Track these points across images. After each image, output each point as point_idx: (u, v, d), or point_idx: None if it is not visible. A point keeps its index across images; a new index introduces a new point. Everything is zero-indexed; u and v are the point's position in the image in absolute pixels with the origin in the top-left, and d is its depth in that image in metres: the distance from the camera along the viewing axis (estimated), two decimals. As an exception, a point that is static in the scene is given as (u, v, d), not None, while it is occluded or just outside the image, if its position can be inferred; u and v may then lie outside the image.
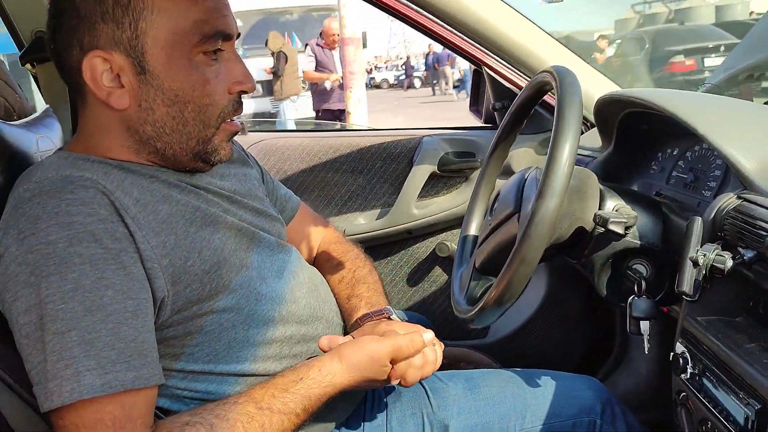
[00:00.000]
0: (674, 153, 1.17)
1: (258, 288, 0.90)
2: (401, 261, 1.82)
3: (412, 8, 1.49)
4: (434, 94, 19.91)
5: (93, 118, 0.86)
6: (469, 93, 1.94)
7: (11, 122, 1.06)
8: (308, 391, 0.83)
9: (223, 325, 0.86)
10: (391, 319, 1.01)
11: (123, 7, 0.79)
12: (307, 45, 6.93)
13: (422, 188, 1.71)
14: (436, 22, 1.53)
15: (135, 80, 0.82)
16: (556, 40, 1.48)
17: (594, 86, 1.43)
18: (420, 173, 1.70)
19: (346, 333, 1.04)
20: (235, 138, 0.97)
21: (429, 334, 0.93)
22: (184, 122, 0.84)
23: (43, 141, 1.07)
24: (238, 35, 0.90)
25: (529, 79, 1.50)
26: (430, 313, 1.80)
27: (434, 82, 20.35)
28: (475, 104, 1.93)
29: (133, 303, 0.74)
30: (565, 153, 0.84)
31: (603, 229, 0.97)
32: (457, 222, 1.73)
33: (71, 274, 0.71)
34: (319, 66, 6.49)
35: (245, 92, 0.89)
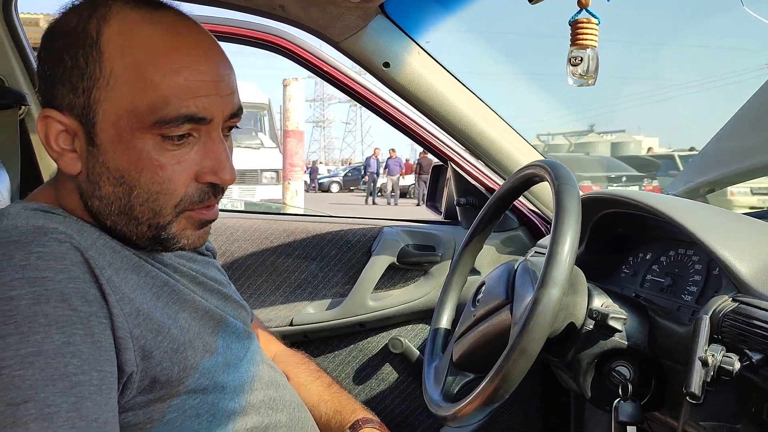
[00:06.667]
0: (647, 257, 1.18)
1: (223, 376, 0.82)
2: (349, 356, 1.72)
3: (389, 103, 1.51)
4: (367, 202, 20.54)
5: (59, 173, 0.79)
6: (427, 189, 1.94)
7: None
8: None
9: (187, 413, 0.77)
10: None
11: (80, 72, 0.72)
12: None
13: (379, 279, 1.65)
14: (407, 116, 1.55)
15: (85, 150, 0.74)
16: (531, 145, 1.51)
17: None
18: (379, 263, 1.64)
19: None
20: None
21: None
22: (130, 207, 0.75)
23: (-9, 192, 0.97)
24: (234, 116, 0.78)
25: (500, 178, 1.52)
26: (377, 413, 1.69)
27: (373, 188, 21.17)
28: (432, 200, 1.93)
29: (98, 376, 0.64)
30: (567, 243, 0.83)
31: (593, 326, 0.95)
32: (414, 317, 1.67)
33: (34, 336, 0.61)
34: None
35: (217, 184, 0.77)
